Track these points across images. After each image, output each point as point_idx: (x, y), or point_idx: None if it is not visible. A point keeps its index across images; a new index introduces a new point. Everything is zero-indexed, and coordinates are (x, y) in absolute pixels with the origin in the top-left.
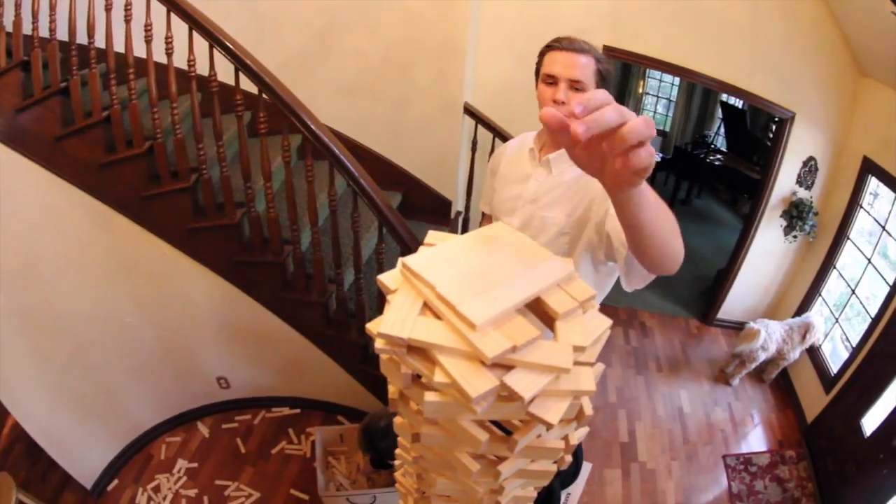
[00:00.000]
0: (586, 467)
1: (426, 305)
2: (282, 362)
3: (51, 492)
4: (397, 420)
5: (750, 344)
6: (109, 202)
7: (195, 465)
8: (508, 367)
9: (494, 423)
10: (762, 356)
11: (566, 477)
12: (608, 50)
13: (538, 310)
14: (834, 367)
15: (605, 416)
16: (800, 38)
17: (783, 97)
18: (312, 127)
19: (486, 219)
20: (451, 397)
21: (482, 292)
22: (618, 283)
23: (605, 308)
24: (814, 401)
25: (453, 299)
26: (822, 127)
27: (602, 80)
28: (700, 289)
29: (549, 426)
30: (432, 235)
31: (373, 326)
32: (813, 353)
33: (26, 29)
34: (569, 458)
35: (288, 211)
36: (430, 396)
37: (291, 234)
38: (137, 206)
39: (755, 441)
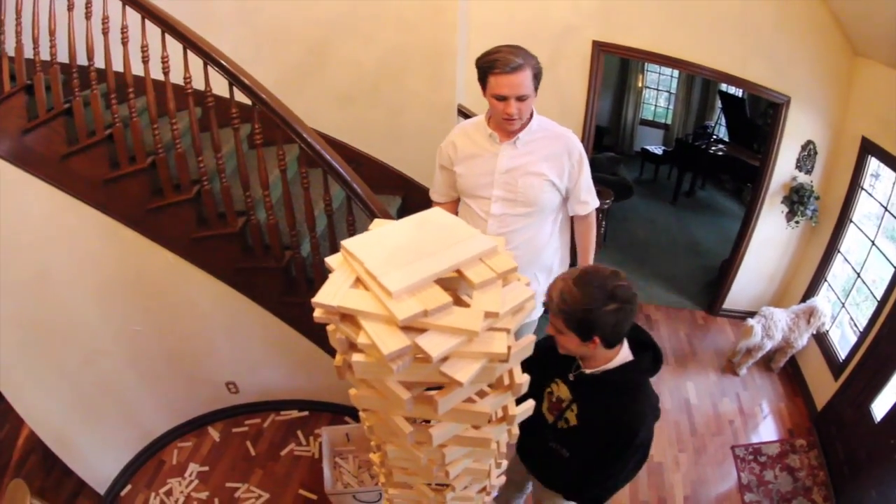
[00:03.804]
0: None
1: (358, 280)
2: (289, 365)
3: (65, 498)
4: (351, 391)
5: (747, 340)
6: (116, 216)
7: (206, 468)
8: (423, 331)
9: None
10: (768, 345)
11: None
12: (599, 45)
13: (465, 282)
14: (842, 353)
15: None
16: (791, 21)
17: (777, 82)
18: (305, 136)
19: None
20: (374, 358)
21: (403, 265)
22: None
23: None
24: (823, 387)
25: (376, 271)
26: (818, 110)
27: (537, 81)
28: (705, 280)
29: (458, 384)
30: (376, 222)
31: (313, 299)
32: (821, 339)
33: (28, 53)
34: (515, 431)
35: (287, 218)
36: (357, 357)
37: (291, 240)
38: (143, 218)
39: (765, 431)
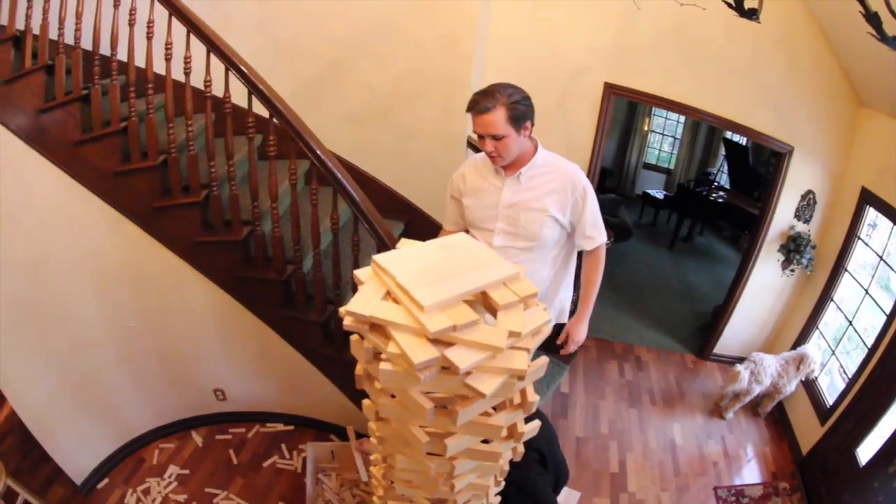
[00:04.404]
0: (574, 496)
1: (388, 293)
2: (278, 378)
3: (40, 483)
4: (365, 402)
5: (734, 385)
6: (121, 209)
7: (186, 471)
8: (450, 345)
9: None
10: (756, 390)
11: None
12: (609, 87)
13: (489, 306)
14: (830, 399)
15: (596, 448)
16: (799, 72)
17: (782, 131)
18: (319, 153)
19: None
20: (402, 367)
21: (434, 283)
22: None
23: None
24: (809, 432)
25: (409, 286)
26: (820, 160)
27: (516, 121)
28: (697, 324)
29: (481, 396)
30: (403, 242)
31: (343, 308)
32: (809, 385)
33: (52, 34)
34: (520, 449)
35: (292, 232)
36: (384, 365)
37: (294, 254)
38: (148, 215)
39: (748, 474)
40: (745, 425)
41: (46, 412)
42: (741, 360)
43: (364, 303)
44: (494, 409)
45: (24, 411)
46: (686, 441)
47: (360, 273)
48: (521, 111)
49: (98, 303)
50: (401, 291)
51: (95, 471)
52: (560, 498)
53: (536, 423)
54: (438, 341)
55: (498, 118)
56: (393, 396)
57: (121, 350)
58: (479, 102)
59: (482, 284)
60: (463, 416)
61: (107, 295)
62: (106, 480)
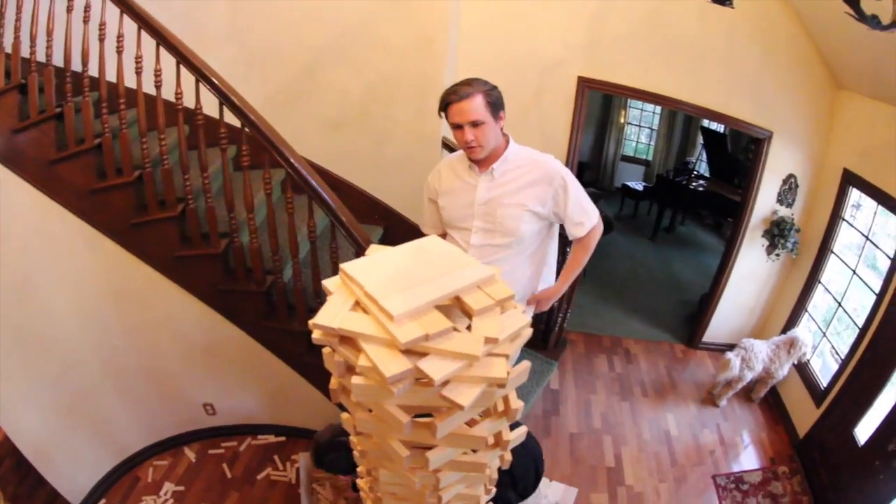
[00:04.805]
0: (571, 492)
1: (358, 303)
2: (267, 390)
3: None
4: (343, 415)
5: (725, 373)
6: (100, 227)
7: (181, 488)
8: (424, 355)
9: None
10: (749, 376)
11: (524, 488)
12: (584, 81)
13: (465, 311)
14: (823, 381)
15: (590, 443)
16: (775, 57)
17: (760, 117)
18: (293, 161)
19: None
20: (374, 381)
21: (403, 290)
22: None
23: (589, 336)
24: (805, 415)
25: (377, 295)
26: (800, 143)
27: (493, 107)
28: (684, 314)
29: (460, 408)
30: (373, 248)
31: (311, 321)
32: (801, 368)
33: (24, 52)
34: (508, 457)
35: (270, 242)
36: (356, 380)
37: (274, 264)
38: (127, 232)
39: (746, 460)
40: (739, 412)
41: (40, 435)
42: (731, 347)
43: (332, 314)
44: (481, 415)
45: (18, 436)
46: (681, 431)
47: (328, 283)
48: (496, 97)
49: (82, 322)
50: (369, 301)
51: (92, 492)
52: (557, 494)
53: (523, 430)
54: (411, 352)
55: (477, 104)
56: (370, 410)
57: (108, 368)
58: (458, 91)
59: (455, 289)
60: (443, 428)
61: (90, 314)
62: (103, 501)
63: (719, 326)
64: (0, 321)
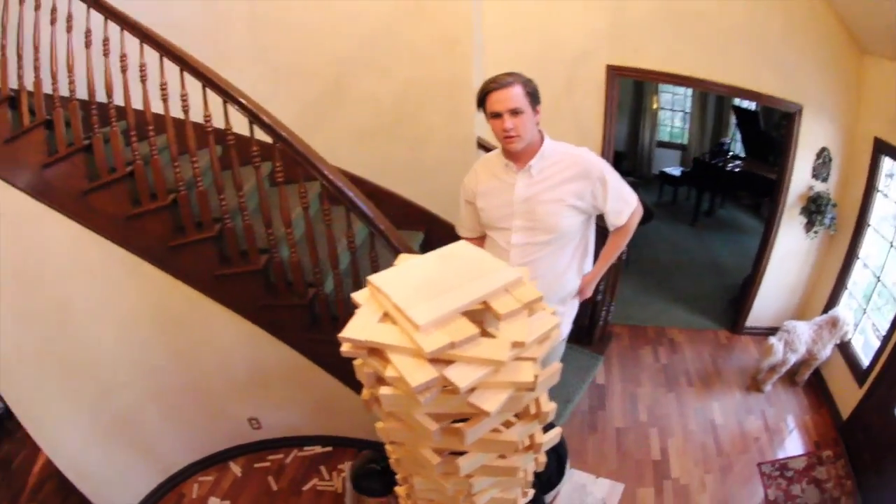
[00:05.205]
0: (618, 488)
1: (386, 314)
2: (312, 402)
3: None
4: (377, 424)
5: (769, 359)
6: (137, 252)
7: (227, 502)
8: (451, 362)
9: None
10: (793, 359)
11: (546, 482)
12: (613, 69)
13: (492, 314)
14: (866, 359)
15: (636, 437)
16: (796, 26)
17: (789, 91)
18: (327, 173)
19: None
20: (402, 391)
21: (429, 298)
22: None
23: (634, 328)
24: (848, 396)
25: (403, 305)
26: (830, 114)
27: (533, 98)
28: (728, 298)
29: (486, 415)
30: (402, 257)
31: (341, 334)
32: (843, 347)
33: (47, 88)
34: (542, 459)
35: (310, 255)
36: (384, 390)
37: (314, 276)
38: (165, 255)
39: (791, 446)
40: (783, 396)
41: (81, 457)
42: (774, 330)
43: (360, 326)
44: (517, 416)
45: (59, 458)
46: (726, 419)
47: (357, 295)
48: (534, 89)
49: (123, 345)
50: (396, 311)
51: None
52: (603, 490)
53: (557, 431)
54: (438, 360)
55: (517, 92)
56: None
57: (150, 388)
58: (498, 79)
59: (481, 294)
60: (471, 434)
61: (131, 336)
62: None
63: (762, 309)
64: (42, 348)
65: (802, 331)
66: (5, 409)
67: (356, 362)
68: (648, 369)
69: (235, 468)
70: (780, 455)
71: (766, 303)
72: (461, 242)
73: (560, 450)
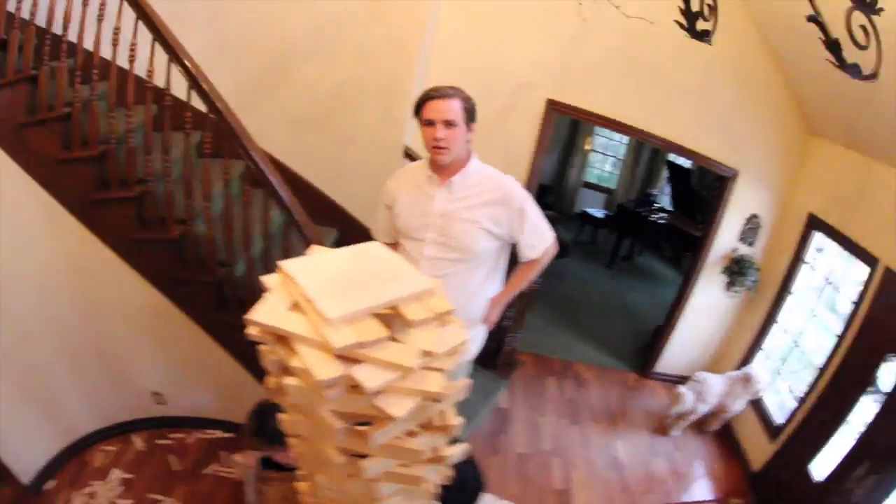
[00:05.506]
0: None
1: (296, 304)
2: (216, 384)
3: None
4: (281, 416)
5: (678, 406)
6: (62, 200)
7: (130, 476)
8: (359, 362)
9: None
10: (702, 409)
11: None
12: (553, 104)
13: (401, 321)
14: (779, 417)
15: (538, 464)
16: (749, 97)
17: (727, 156)
18: (254, 154)
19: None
20: (307, 383)
21: (341, 293)
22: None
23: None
24: (759, 449)
25: (313, 296)
26: (767, 185)
27: (469, 115)
28: (638, 343)
29: (391, 419)
30: (314, 248)
31: (247, 316)
32: (756, 403)
33: (10, 7)
34: (447, 472)
35: (224, 233)
36: (290, 381)
37: (227, 256)
38: (86, 208)
39: (699, 491)
40: (692, 443)
41: None
42: (684, 378)
43: (269, 311)
44: (423, 427)
45: None
46: (632, 459)
47: (267, 279)
48: (472, 107)
49: (36, 296)
50: (306, 301)
51: (42, 471)
52: None
53: (464, 447)
54: (346, 358)
55: (456, 105)
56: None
57: (60, 346)
58: (440, 89)
59: (393, 298)
60: (376, 438)
61: (45, 288)
62: (53, 482)
63: (673, 357)
64: None
65: (714, 383)
66: None
67: (262, 348)
68: (553, 400)
69: (138, 441)
70: (687, 499)
71: (679, 352)
72: (377, 242)
73: (478, 478)
